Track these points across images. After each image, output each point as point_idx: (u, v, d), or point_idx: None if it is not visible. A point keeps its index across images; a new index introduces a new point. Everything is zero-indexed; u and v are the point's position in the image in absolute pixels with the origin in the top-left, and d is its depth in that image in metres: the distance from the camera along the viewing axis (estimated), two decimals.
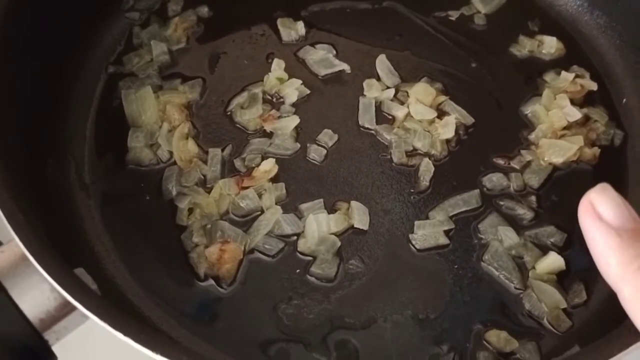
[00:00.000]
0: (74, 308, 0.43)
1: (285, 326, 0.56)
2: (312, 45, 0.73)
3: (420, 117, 0.66)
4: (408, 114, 0.67)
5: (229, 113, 0.68)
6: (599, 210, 0.38)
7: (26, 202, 0.48)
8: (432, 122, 0.66)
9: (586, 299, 0.57)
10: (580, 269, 0.58)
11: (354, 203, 0.61)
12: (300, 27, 0.74)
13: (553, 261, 0.58)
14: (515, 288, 0.58)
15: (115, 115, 0.67)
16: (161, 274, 0.58)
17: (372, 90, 0.69)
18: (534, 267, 0.58)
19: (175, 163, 0.64)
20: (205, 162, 0.64)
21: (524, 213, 0.62)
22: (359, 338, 0.55)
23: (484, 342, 0.55)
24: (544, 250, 0.60)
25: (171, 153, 0.64)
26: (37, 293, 0.44)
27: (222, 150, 0.65)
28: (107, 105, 0.68)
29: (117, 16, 0.74)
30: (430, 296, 0.57)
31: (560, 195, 0.63)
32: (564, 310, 0.56)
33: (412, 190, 0.63)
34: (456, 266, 0.59)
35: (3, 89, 0.53)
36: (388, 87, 0.69)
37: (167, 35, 0.73)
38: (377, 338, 0.55)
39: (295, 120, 0.66)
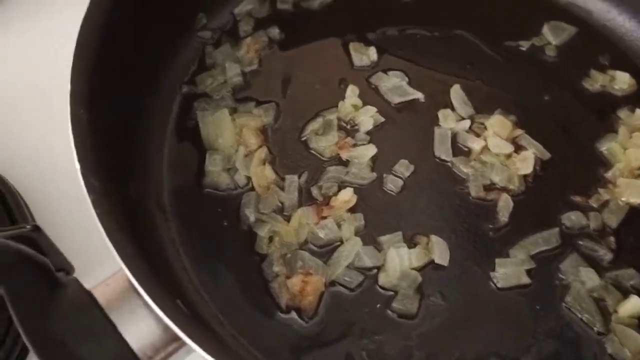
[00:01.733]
0: (180, 341, 0.43)
1: None
2: (384, 71, 0.73)
3: (498, 151, 0.66)
4: (485, 147, 0.66)
5: (303, 139, 0.67)
6: None
7: (124, 232, 0.48)
8: (509, 156, 0.66)
9: None
10: None
11: (434, 237, 0.61)
12: (372, 53, 0.73)
13: (635, 304, 0.58)
14: (598, 332, 0.57)
15: (191, 136, 0.67)
16: (243, 303, 0.58)
17: (448, 121, 0.68)
18: (615, 311, 0.58)
19: (252, 189, 0.64)
20: (282, 188, 0.64)
21: (604, 254, 0.61)
22: None
23: None
24: (624, 293, 0.59)
25: (248, 178, 0.64)
26: (144, 326, 0.44)
27: (299, 177, 0.64)
28: (183, 125, 0.68)
29: (190, 35, 0.73)
30: (513, 336, 0.57)
31: (638, 236, 0.63)
32: None
33: (490, 226, 0.63)
34: (538, 307, 0.58)
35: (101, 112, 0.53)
36: (463, 118, 0.69)
37: (240, 56, 0.73)
38: None
39: (372, 150, 0.66)
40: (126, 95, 0.61)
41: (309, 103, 0.70)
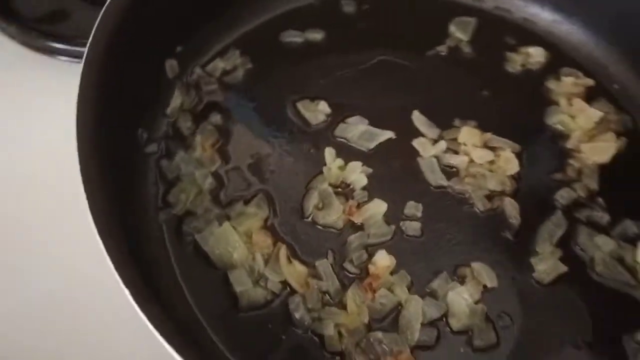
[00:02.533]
0: None
1: None
2: (342, 121, 0.72)
3: (483, 161, 0.70)
4: (470, 161, 0.70)
5: (310, 219, 0.65)
6: None
7: None
8: (492, 162, 0.70)
9: None
10: None
11: (474, 264, 0.63)
12: (324, 106, 0.73)
13: None
14: (631, 286, 0.64)
15: (197, 263, 0.61)
16: None
17: (427, 149, 0.70)
18: (636, 261, 0.66)
19: (290, 291, 0.61)
20: (319, 277, 0.61)
21: (601, 216, 0.68)
22: None
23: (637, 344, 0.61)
24: (632, 243, 0.67)
25: (282, 282, 0.61)
26: None
27: (327, 259, 0.63)
28: (183, 255, 0.62)
29: (139, 157, 0.66)
30: (579, 323, 0.62)
31: (616, 188, 0.71)
32: None
33: (509, 232, 0.67)
34: (580, 288, 0.64)
35: None
36: (435, 140, 0.71)
37: (197, 157, 0.68)
38: None
39: (382, 205, 0.66)
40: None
41: (292, 180, 0.68)
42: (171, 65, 0.70)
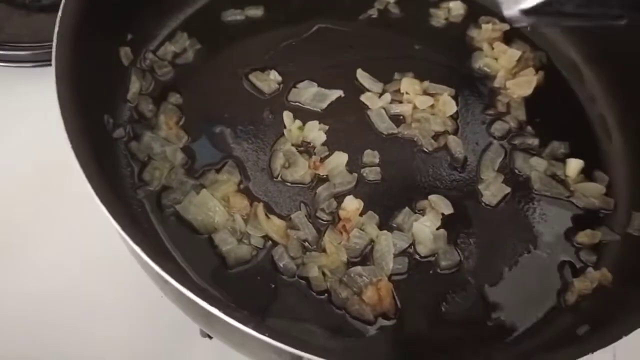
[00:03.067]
0: None
1: (452, 322, 0.65)
2: (294, 87, 0.78)
3: (425, 106, 0.77)
4: (414, 107, 0.77)
5: (279, 178, 0.71)
6: None
7: None
8: (433, 106, 0.78)
9: (609, 179, 0.75)
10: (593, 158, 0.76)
11: (431, 197, 0.71)
12: (275, 75, 0.78)
13: (574, 164, 0.75)
14: (566, 197, 0.74)
15: (181, 232, 0.66)
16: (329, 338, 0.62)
17: (374, 101, 0.77)
18: (566, 176, 0.75)
19: (272, 244, 0.66)
20: (295, 228, 0.67)
21: (532, 141, 0.77)
22: None
23: (577, 245, 0.70)
24: (562, 161, 0.76)
25: (264, 237, 0.66)
26: None
27: (301, 211, 0.68)
28: (167, 226, 0.66)
29: (112, 144, 0.69)
30: (527, 233, 0.71)
31: (541, 115, 0.80)
32: (605, 193, 0.74)
33: (456, 165, 0.74)
34: (523, 204, 0.73)
35: None
36: (380, 94, 0.78)
37: (165, 136, 0.72)
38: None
39: (343, 156, 0.72)
40: None
41: (257, 144, 0.73)
42: (125, 53, 0.73)
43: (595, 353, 0.51)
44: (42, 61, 0.85)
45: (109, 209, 0.51)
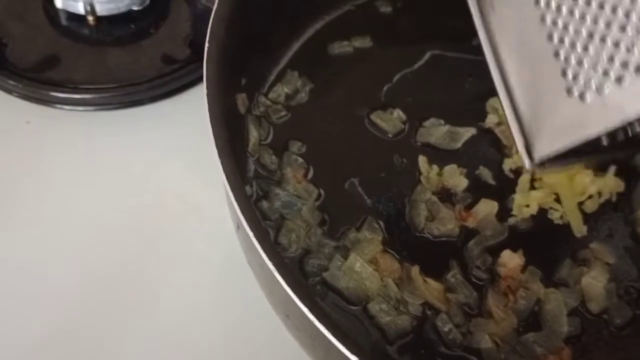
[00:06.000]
0: None
1: None
2: (420, 125, 0.71)
3: None
4: None
5: (424, 233, 0.64)
6: None
7: None
8: None
9: None
10: None
11: (593, 245, 0.64)
12: (399, 113, 0.71)
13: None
14: None
15: (331, 301, 0.59)
16: None
17: None
18: None
19: (434, 311, 0.60)
20: (453, 291, 0.61)
21: None
22: None
23: None
24: None
25: (422, 304, 0.60)
26: None
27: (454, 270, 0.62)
28: (314, 294, 0.59)
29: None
30: None
31: None
32: None
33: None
34: None
35: None
36: None
37: (294, 192, 0.65)
38: None
39: (492, 205, 0.65)
40: None
41: (392, 194, 0.66)
42: (242, 100, 0.66)
43: None
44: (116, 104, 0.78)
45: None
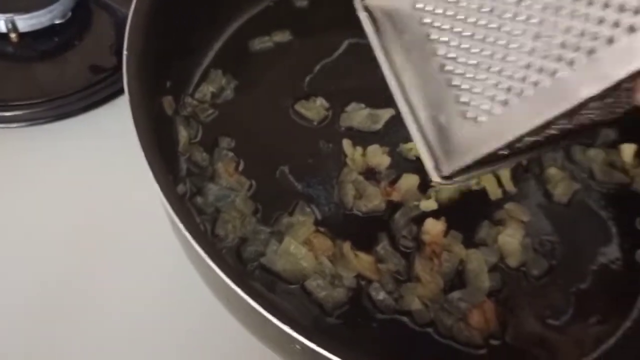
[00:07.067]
0: None
1: (554, 327, 0.65)
2: (342, 111, 0.75)
3: None
4: None
5: (353, 211, 0.69)
6: None
7: None
8: None
9: None
10: None
11: (507, 205, 0.70)
12: (321, 101, 0.75)
13: (627, 149, 0.76)
14: (628, 184, 0.74)
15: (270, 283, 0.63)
16: None
17: None
18: (623, 162, 0.76)
19: (367, 282, 0.64)
20: (383, 261, 0.65)
21: None
22: None
23: None
24: (614, 147, 0.77)
25: (356, 276, 0.64)
26: None
27: (388, 242, 0.66)
28: (254, 279, 0.63)
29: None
30: (600, 228, 0.71)
31: None
32: None
33: (520, 169, 0.74)
34: (592, 197, 0.73)
35: None
36: None
37: (227, 184, 0.68)
38: None
39: (414, 178, 0.70)
40: None
41: (321, 178, 0.70)
42: (168, 102, 0.69)
43: None
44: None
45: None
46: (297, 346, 0.48)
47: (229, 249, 0.65)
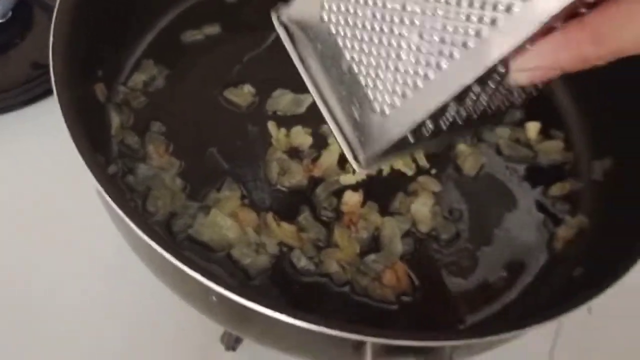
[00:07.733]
0: None
1: (460, 285, 0.71)
2: (269, 97, 0.80)
3: None
4: None
5: (278, 186, 0.74)
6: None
7: None
8: None
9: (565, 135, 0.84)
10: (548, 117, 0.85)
11: (420, 178, 0.76)
12: (249, 88, 0.80)
13: (532, 127, 0.83)
14: (532, 158, 0.82)
15: (199, 252, 0.68)
16: None
17: None
18: (528, 138, 0.83)
19: (289, 249, 0.69)
20: (305, 230, 0.71)
21: None
22: None
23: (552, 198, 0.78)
24: (520, 125, 0.84)
25: (279, 244, 0.69)
26: None
27: (310, 211, 0.72)
28: (182, 249, 0.67)
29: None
30: (506, 198, 0.78)
31: None
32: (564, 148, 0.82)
33: None
34: (498, 170, 0.80)
35: None
36: None
37: (157, 165, 0.73)
38: None
39: (333, 155, 0.76)
40: None
41: (249, 158, 0.75)
42: (101, 90, 0.73)
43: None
44: None
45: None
46: (214, 297, 0.52)
47: (160, 222, 0.69)
